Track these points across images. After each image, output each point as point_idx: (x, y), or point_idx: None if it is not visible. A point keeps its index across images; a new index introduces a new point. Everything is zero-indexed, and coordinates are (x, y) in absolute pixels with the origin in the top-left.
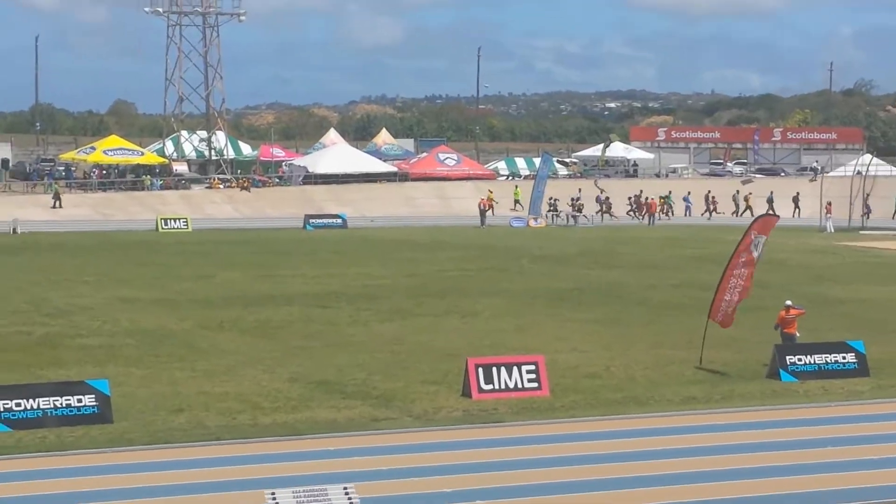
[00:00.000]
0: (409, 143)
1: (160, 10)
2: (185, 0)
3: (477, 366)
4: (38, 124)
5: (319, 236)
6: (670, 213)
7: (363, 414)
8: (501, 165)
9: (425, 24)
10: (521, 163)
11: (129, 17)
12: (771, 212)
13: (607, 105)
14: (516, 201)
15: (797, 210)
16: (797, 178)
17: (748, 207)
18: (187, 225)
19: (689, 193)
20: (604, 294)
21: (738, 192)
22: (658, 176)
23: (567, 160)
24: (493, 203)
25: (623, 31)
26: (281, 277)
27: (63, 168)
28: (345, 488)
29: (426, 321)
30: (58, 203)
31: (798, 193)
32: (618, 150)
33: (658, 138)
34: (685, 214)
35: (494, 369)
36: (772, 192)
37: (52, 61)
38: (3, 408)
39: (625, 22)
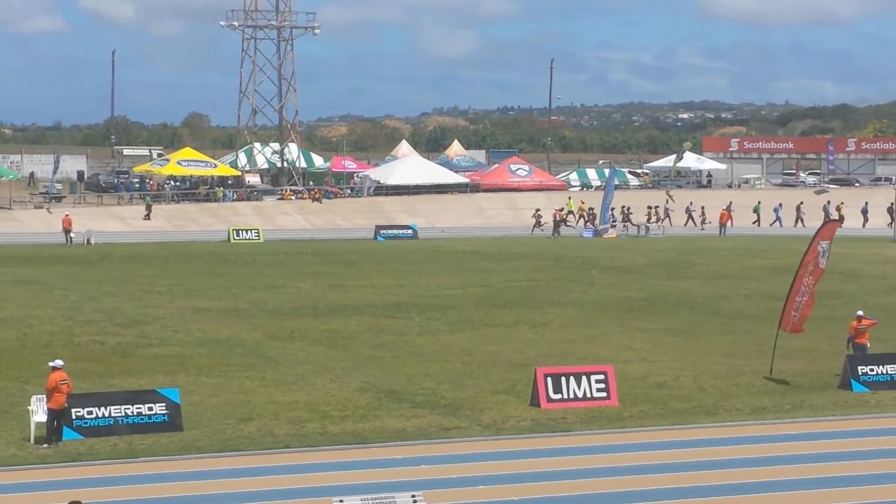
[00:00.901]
0: (480, 155)
1: (235, 24)
2: (261, 14)
3: (546, 375)
4: (113, 137)
5: (390, 247)
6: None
7: (432, 423)
8: (573, 176)
9: (498, 36)
10: (592, 174)
11: (204, 31)
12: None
13: (680, 116)
14: (570, 212)
15: (865, 220)
16: (871, 189)
17: (841, 217)
18: (259, 236)
19: (780, 205)
20: (674, 304)
21: (828, 202)
22: (730, 187)
23: (639, 171)
24: (566, 215)
25: (697, 41)
26: (351, 288)
27: (137, 180)
28: (413, 496)
29: (496, 331)
30: (149, 215)
31: (867, 203)
32: (690, 160)
33: (731, 149)
34: (772, 225)
35: (563, 379)
36: (828, 202)
37: (127, 75)
38: (76, 416)
39: (699, 32)
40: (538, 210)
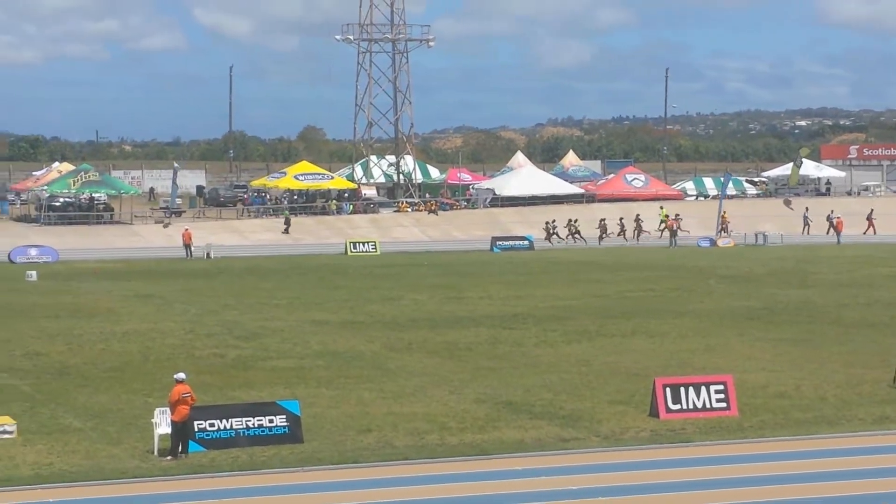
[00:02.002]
0: (596, 165)
1: (351, 37)
2: (376, 28)
3: (665, 386)
4: (231, 151)
5: (506, 258)
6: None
7: (550, 434)
8: (689, 185)
9: (612, 46)
10: (708, 183)
11: (319, 45)
12: None
13: (797, 123)
14: (662, 221)
15: None
16: None
17: None
18: (376, 248)
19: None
20: (794, 313)
21: None
22: (850, 194)
23: (756, 179)
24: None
25: (813, 48)
26: (468, 299)
27: (255, 194)
28: None
29: (613, 341)
30: (287, 228)
31: None
32: (808, 168)
33: (850, 156)
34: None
35: (682, 389)
36: None
37: (244, 90)
38: (198, 428)
39: (816, 39)
40: (553, 221)
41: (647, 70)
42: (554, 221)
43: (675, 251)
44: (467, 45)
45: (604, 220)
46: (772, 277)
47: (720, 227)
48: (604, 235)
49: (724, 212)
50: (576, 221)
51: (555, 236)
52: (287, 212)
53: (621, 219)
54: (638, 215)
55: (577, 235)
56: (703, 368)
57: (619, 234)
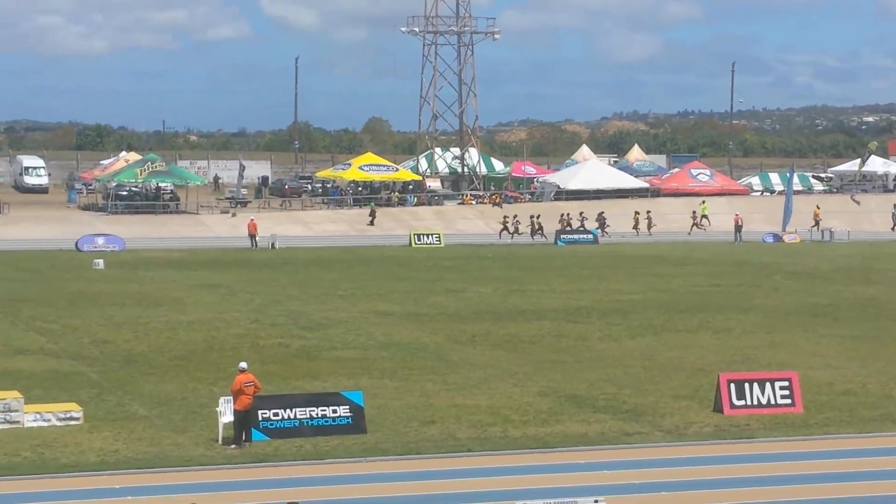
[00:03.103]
0: (661, 159)
1: (416, 29)
2: (441, 20)
3: (729, 381)
4: (296, 143)
5: (570, 252)
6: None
7: (613, 428)
8: (755, 181)
9: (679, 40)
10: (774, 178)
11: (385, 37)
12: None
13: (865, 119)
14: (703, 216)
15: None
16: None
17: None
18: (440, 240)
19: None
20: (860, 310)
21: None
22: None
23: (822, 175)
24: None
25: (882, 43)
26: (531, 292)
27: (320, 185)
28: (595, 501)
29: (677, 336)
30: (373, 220)
31: None
32: (875, 164)
33: None
34: None
35: (747, 385)
36: None
37: (309, 81)
38: (262, 417)
39: (885, 33)
40: (538, 216)
41: (714, 64)
42: (539, 217)
43: (741, 247)
44: (533, 37)
45: (602, 213)
46: (838, 274)
47: (813, 223)
48: (604, 231)
49: (818, 206)
50: (538, 217)
51: (505, 231)
52: (373, 203)
53: (636, 213)
54: (638, 211)
55: (539, 232)
56: (767, 364)
57: (633, 228)
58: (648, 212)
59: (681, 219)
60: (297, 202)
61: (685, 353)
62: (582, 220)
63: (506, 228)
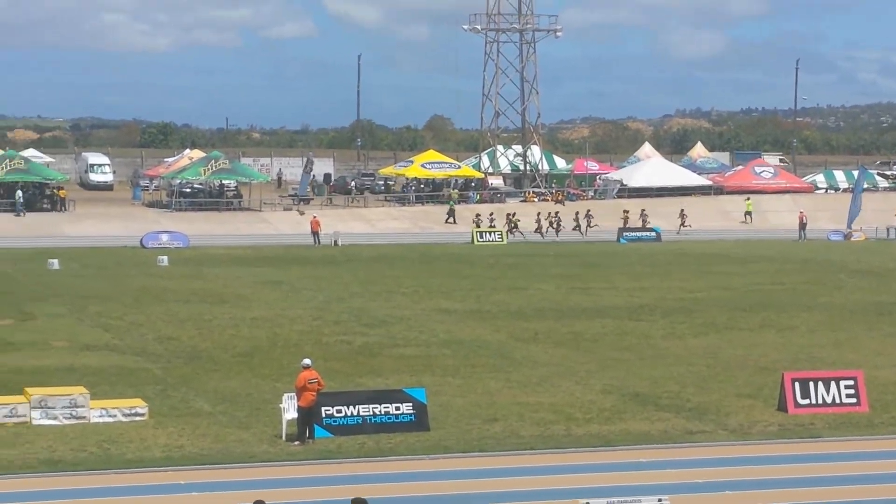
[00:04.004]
0: (724, 157)
1: (478, 27)
2: (503, 17)
3: (793, 380)
4: (358, 140)
5: (633, 249)
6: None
7: (677, 426)
8: (819, 178)
9: (742, 36)
10: (839, 176)
11: (447, 34)
12: None
13: None
14: (747, 213)
15: None
16: None
17: None
18: (502, 238)
19: None
20: None
21: None
22: None
23: (888, 173)
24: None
25: None
26: (594, 290)
27: (382, 182)
28: (659, 500)
29: (741, 335)
30: (452, 218)
31: None
32: None
33: None
34: None
35: (811, 384)
36: None
37: (372, 78)
38: (326, 414)
39: None
40: (514, 214)
41: (778, 61)
42: (515, 215)
43: (805, 244)
44: (595, 34)
45: (588, 211)
46: None
47: None
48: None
49: None
50: (514, 215)
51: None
52: (453, 202)
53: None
54: (588, 210)
55: (514, 230)
56: (832, 363)
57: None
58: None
59: (743, 216)
60: (359, 199)
61: (749, 351)
62: (643, 218)
63: (515, 227)
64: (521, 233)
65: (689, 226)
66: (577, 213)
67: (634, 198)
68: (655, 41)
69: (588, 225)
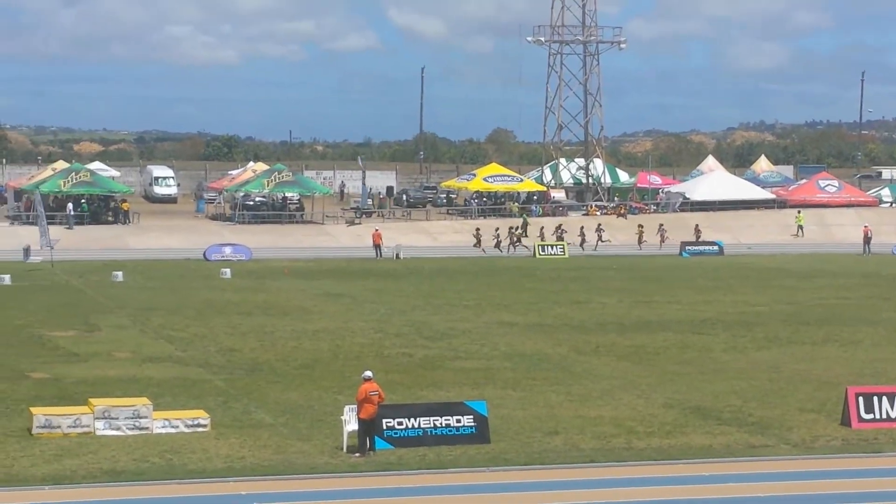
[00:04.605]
0: (788, 170)
1: (542, 39)
2: (567, 29)
3: (857, 395)
4: (421, 152)
5: (696, 263)
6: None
7: (738, 440)
8: (885, 192)
9: (808, 49)
10: None
11: (511, 46)
12: None
13: None
14: (800, 227)
15: None
16: None
17: None
18: (564, 251)
19: None
20: None
21: None
22: None
23: None
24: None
25: None
26: (656, 304)
27: (444, 195)
28: None
29: (804, 349)
30: (525, 231)
31: None
32: None
33: None
34: None
35: (876, 398)
36: None
37: (436, 91)
38: (387, 426)
39: None
40: (497, 229)
41: (844, 73)
42: (518, 229)
43: (869, 259)
44: (660, 46)
45: (662, 225)
46: None
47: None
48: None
49: None
50: (516, 229)
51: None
52: (526, 214)
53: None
54: (661, 225)
55: (518, 243)
56: None
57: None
58: (661, 225)
59: (807, 230)
60: (421, 212)
61: (812, 365)
62: (697, 233)
63: (518, 240)
64: (525, 246)
65: (608, 241)
66: (639, 227)
67: (697, 211)
68: (720, 53)
69: (662, 239)
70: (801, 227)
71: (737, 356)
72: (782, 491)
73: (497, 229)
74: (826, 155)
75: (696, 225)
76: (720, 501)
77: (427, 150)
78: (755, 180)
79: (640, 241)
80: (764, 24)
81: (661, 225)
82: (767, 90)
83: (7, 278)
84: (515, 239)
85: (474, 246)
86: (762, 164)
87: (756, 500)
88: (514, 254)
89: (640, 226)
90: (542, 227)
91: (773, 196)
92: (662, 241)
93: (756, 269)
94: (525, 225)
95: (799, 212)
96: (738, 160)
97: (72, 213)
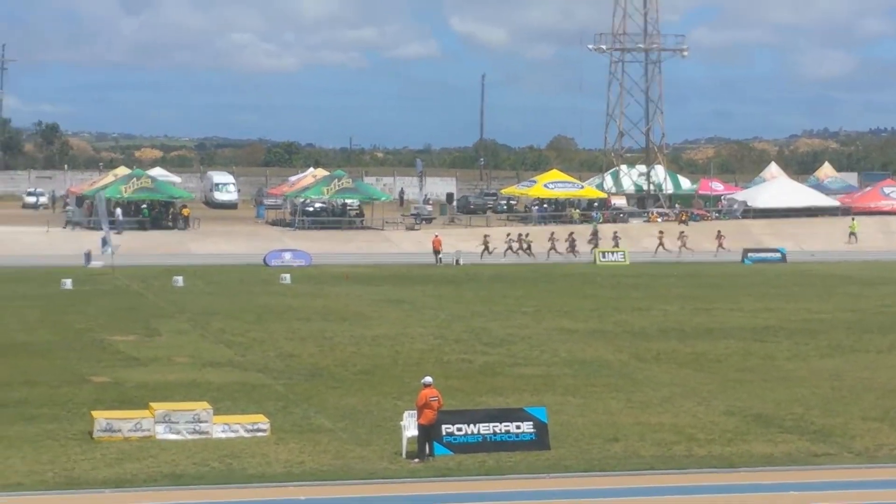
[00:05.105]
0: (852, 177)
1: (604, 47)
2: (629, 37)
3: None
4: (481, 159)
5: (758, 270)
6: None
7: (800, 449)
8: None
9: (875, 56)
10: None
11: (572, 53)
12: None
13: None
14: (851, 234)
15: None
16: None
17: None
18: (625, 258)
19: None
20: None
21: None
22: None
23: None
24: None
25: None
26: (718, 311)
27: (504, 202)
28: None
29: (867, 357)
30: (595, 241)
31: None
32: None
33: None
34: None
35: None
36: None
37: (496, 98)
38: (446, 432)
39: None
40: (487, 236)
41: None
42: (517, 235)
43: None
44: (722, 54)
45: (719, 232)
46: None
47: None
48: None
49: None
50: (527, 236)
51: (514, 249)
52: (595, 222)
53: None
54: (719, 231)
55: (528, 250)
56: None
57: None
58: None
59: (871, 237)
60: (481, 218)
61: (875, 373)
62: (720, 239)
63: (486, 248)
64: (532, 254)
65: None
66: (681, 233)
67: (760, 218)
68: (784, 61)
69: (720, 245)
70: (853, 234)
71: (799, 364)
72: (845, 500)
73: (508, 235)
74: (891, 162)
75: (719, 231)
76: None
77: (487, 156)
78: (819, 187)
79: (658, 248)
80: (829, 31)
81: (720, 231)
82: (832, 98)
83: (69, 283)
84: (526, 246)
85: (482, 254)
86: (826, 171)
87: None
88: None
89: (661, 232)
90: (572, 233)
91: (837, 203)
92: (720, 246)
93: (819, 277)
94: (595, 232)
95: (853, 219)
96: (801, 167)
97: (121, 217)
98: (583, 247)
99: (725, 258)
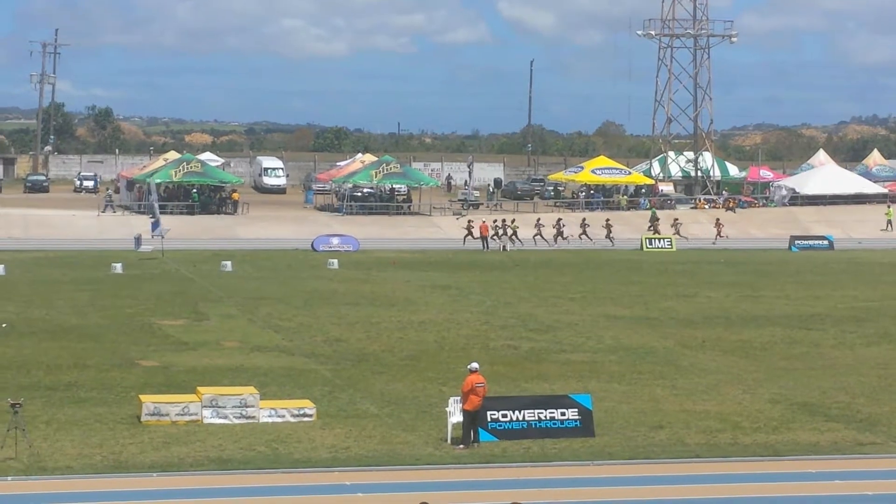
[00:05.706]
0: None
1: (652, 32)
2: (678, 23)
3: None
4: (529, 145)
5: (805, 257)
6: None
7: (846, 437)
8: None
9: None
10: None
11: (621, 39)
12: None
13: None
14: (889, 222)
15: None
16: None
17: None
18: (671, 244)
19: None
20: None
21: None
22: None
23: None
24: None
25: None
26: (764, 298)
27: (552, 188)
28: None
29: None
30: (655, 228)
31: None
32: None
33: None
34: None
35: None
36: None
37: (544, 84)
38: (491, 418)
39: None
40: (470, 221)
41: None
42: (470, 223)
43: None
44: (772, 40)
45: (560, 219)
46: None
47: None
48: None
49: None
50: (512, 222)
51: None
52: (655, 209)
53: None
54: (470, 221)
55: (513, 237)
56: None
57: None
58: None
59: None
60: (528, 204)
61: None
62: (718, 227)
63: (469, 234)
64: (519, 240)
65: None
66: (717, 219)
67: (807, 205)
68: (834, 47)
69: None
70: (890, 221)
71: (845, 352)
72: (891, 489)
73: (495, 220)
74: None
75: (718, 219)
76: (827, 499)
77: (535, 142)
78: (867, 175)
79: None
80: (880, 17)
81: (718, 220)
82: (882, 84)
83: (119, 267)
84: (511, 232)
85: (465, 238)
86: (875, 159)
87: (864, 498)
88: (512, 248)
89: (657, 219)
90: (584, 219)
91: (886, 191)
92: (719, 234)
93: (866, 264)
94: (655, 219)
95: (889, 206)
96: (850, 154)
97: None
98: (593, 237)
99: (772, 245)
